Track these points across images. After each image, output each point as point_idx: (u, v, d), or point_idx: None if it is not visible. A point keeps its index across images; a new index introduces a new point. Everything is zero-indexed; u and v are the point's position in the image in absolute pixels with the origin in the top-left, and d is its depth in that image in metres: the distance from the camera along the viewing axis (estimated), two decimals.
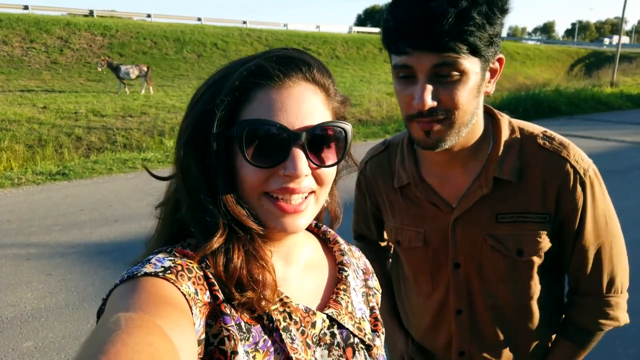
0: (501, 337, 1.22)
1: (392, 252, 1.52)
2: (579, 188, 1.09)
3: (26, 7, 24.50)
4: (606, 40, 66.76)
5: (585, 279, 1.16)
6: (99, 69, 15.99)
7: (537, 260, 1.14)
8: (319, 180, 0.72)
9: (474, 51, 0.94)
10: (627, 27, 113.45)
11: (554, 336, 1.27)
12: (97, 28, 20.99)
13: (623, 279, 1.16)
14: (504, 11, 0.97)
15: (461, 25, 0.90)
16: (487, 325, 1.22)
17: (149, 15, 29.34)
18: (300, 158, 0.67)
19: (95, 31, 20.73)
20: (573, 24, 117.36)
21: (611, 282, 1.15)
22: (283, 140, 0.67)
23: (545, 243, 1.13)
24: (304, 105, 0.69)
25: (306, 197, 0.71)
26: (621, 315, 1.16)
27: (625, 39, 72.24)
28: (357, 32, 37.36)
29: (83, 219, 5.63)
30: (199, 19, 30.10)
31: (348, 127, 0.73)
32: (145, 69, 15.37)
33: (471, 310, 1.22)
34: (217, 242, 0.68)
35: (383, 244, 1.53)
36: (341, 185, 0.91)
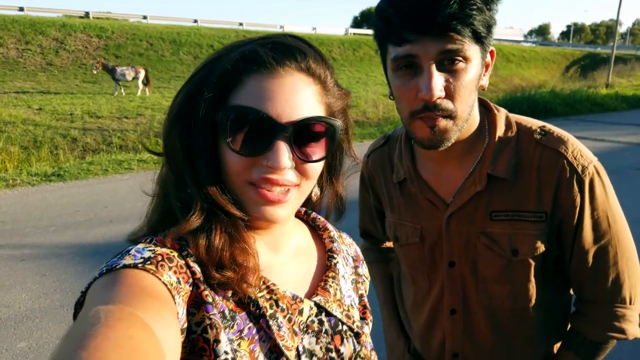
0: (497, 341, 1.17)
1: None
2: (575, 186, 1.03)
3: (21, 9, 24.39)
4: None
5: (588, 284, 1.09)
6: (94, 72, 15.95)
7: (534, 262, 1.09)
8: (303, 174, 0.71)
9: (477, 37, 0.91)
10: (622, 29, 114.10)
11: (557, 347, 1.21)
12: (93, 29, 20.92)
13: (632, 289, 1.07)
14: None
15: (464, 8, 0.88)
16: (482, 327, 1.17)
17: (145, 17, 29.25)
18: (283, 151, 0.66)
19: (91, 33, 20.67)
20: (568, 26, 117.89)
21: (617, 290, 1.07)
22: (267, 131, 0.66)
23: (542, 243, 1.07)
24: (294, 97, 0.67)
25: (289, 190, 0.70)
26: (629, 327, 1.07)
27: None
28: (354, 33, 37.40)
29: (78, 220, 5.60)
30: (195, 21, 30.08)
31: (337, 123, 0.71)
32: (141, 70, 15.34)
33: (466, 310, 1.17)
34: (195, 221, 0.67)
35: (388, 244, 1.50)
36: (347, 185, 0.88)
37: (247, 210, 0.70)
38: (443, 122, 0.97)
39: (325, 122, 0.70)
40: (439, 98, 0.93)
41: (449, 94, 0.95)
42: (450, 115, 0.97)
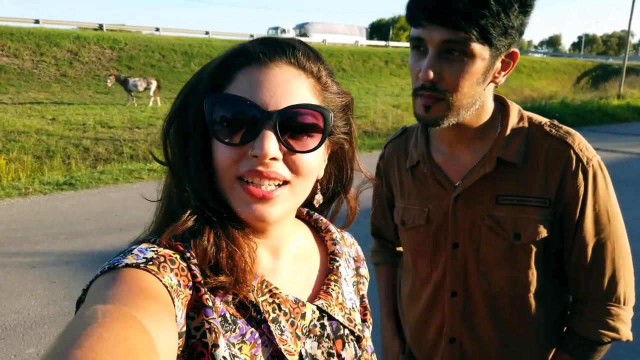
0: (494, 328, 1.19)
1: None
2: (580, 175, 1.09)
3: (37, 21, 24.86)
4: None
5: (585, 279, 1.12)
6: (109, 84, 16.12)
7: (535, 247, 1.12)
8: (293, 168, 0.67)
9: (485, 37, 0.98)
10: (634, 40, 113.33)
11: (552, 353, 1.21)
12: (107, 41, 21.24)
13: (626, 290, 1.11)
14: (525, 6, 1.00)
15: (475, 8, 0.95)
16: (481, 312, 1.19)
17: (157, 29, 29.65)
18: (269, 138, 0.63)
19: (105, 44, 20.97)
20: (579, 37, 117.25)
21: (612, 288, 1.10)
22: (253, 119, 0.64)
23: (544, 229, 1.11)
24: (283, 87, 0.66)
25: (279, 186, 0.67)
26: (622, 327, 1.10)
27: None
28: (363, 45, 37.64)
29: (88, 228, 5.65)
30: (207, 33, 30.46)
31: (328, 112, 0.68)
32: (153, 81, 15.53)
33: (466, 293, 1.20)
34: (189, 221, 0.67)
35: (399, 248, 1.52)
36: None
37: (235, 209, 0.68)
38: (436, 106, 1.05)
39: (315, 110, 0.67)
40: (433, 80, 1.02)
41: (444, 81, 1.02)
42: (443, 102, 1.04)
